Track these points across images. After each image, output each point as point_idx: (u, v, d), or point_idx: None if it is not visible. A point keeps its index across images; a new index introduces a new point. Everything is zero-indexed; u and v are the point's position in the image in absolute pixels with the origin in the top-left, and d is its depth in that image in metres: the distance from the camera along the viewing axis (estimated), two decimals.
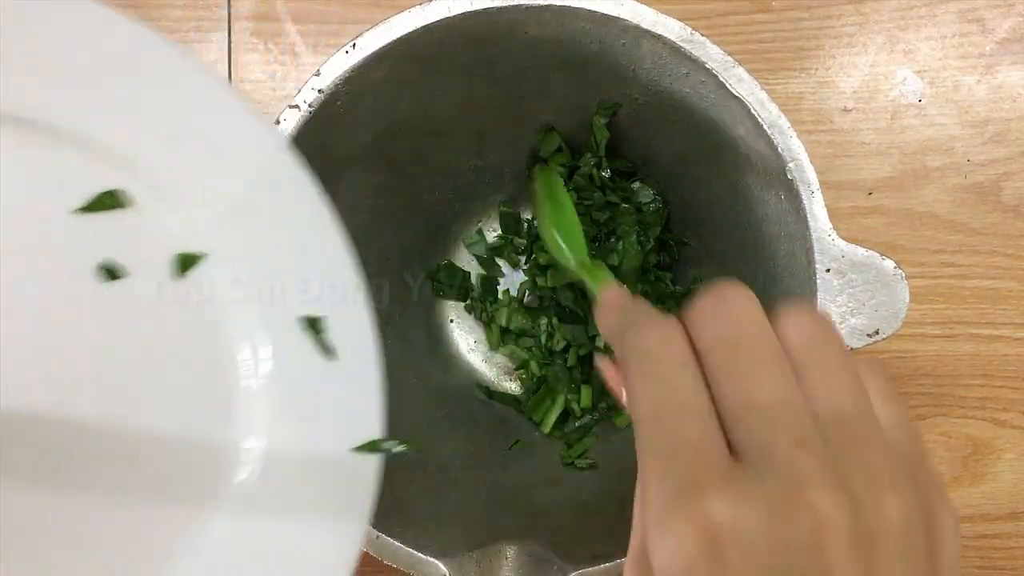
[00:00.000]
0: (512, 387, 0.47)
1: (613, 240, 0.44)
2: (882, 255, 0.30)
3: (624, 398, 0.22)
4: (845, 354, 0.20)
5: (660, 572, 0.18)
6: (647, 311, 0.22)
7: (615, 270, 0.43)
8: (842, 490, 0.18)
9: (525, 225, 0.47)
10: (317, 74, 0.31)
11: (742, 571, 0.17)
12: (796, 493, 0.18)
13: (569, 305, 0.44)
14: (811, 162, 0.31)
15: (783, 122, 0.31)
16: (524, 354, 0.46)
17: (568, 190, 0.40)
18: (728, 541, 0.17)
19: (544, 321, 0.45)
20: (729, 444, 0.19)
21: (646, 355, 0.20)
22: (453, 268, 0.47)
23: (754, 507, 0.17)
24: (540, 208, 0.39)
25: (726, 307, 0.20)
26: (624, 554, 0.31)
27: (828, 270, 0.30)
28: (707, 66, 0.31)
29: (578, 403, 0.44)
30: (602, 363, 0.24)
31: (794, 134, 0.31)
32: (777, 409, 0.19)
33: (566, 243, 0.35)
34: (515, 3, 0.31)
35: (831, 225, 0.30)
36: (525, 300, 0.46)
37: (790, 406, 0.19)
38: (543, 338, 0.45)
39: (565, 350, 0.45)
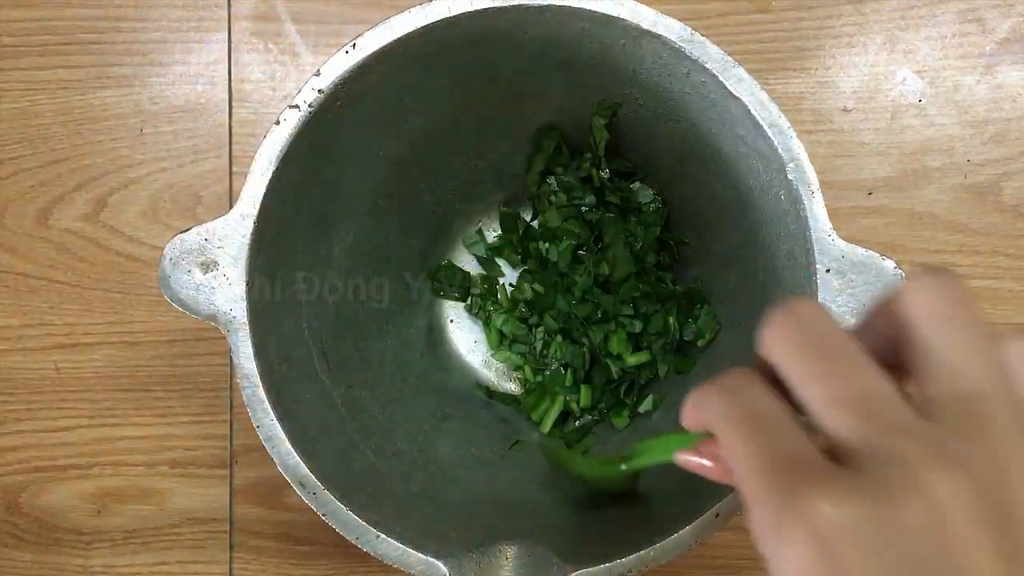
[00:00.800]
0: (512, 387, 0.47)
1: (603, 247, 0.44)
2: (882, 255, 0.30)
3: (720, 472, 0.23)
4: (971, 323, 0.19)
5: None
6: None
7: (607, 279, 0.43)
8: (957, 466, 0.17)
9: (523, 227, 0.47)
10: (317, 74, 0.31)
11: (861, 568, 0.16)
12: (902, 477, 0.17)
13: (575, 328, 0.44)
14: (811, 162, 0.30)
15: (783, 122, 0.31)
16: (519, 360, 0.46)
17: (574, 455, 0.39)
18: (839, 541, 0.17)
19: (539, 330, 0.45)
20: (827, 453, 0.19)
21: (727, 398, 0.21)
22: (453, 268, 0.47)
23: (859, 501, 0.17)
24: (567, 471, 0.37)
25: (793, 318, 0.20)
26: (625, 553, 0.31)
27: (828, 270, 0.30)
28: (707, 66, 0.31)
29: (577, 403, 0.44)
30: (682, 456, 0.24)
31: (794, 134, 0.31)
32: (864, 401, 0.18)
33: (607, 475, 0.34)
34: (515, 3, 0.31)
35: (831, 225, 0.30)
36: (519, 310, 0.46)
37: (878, 395, 0.18)
38: (538, 346, 0.45)
39: (564, 365, 0.45)
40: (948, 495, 0.17)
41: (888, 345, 0.20)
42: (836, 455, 0.18)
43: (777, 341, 0.20)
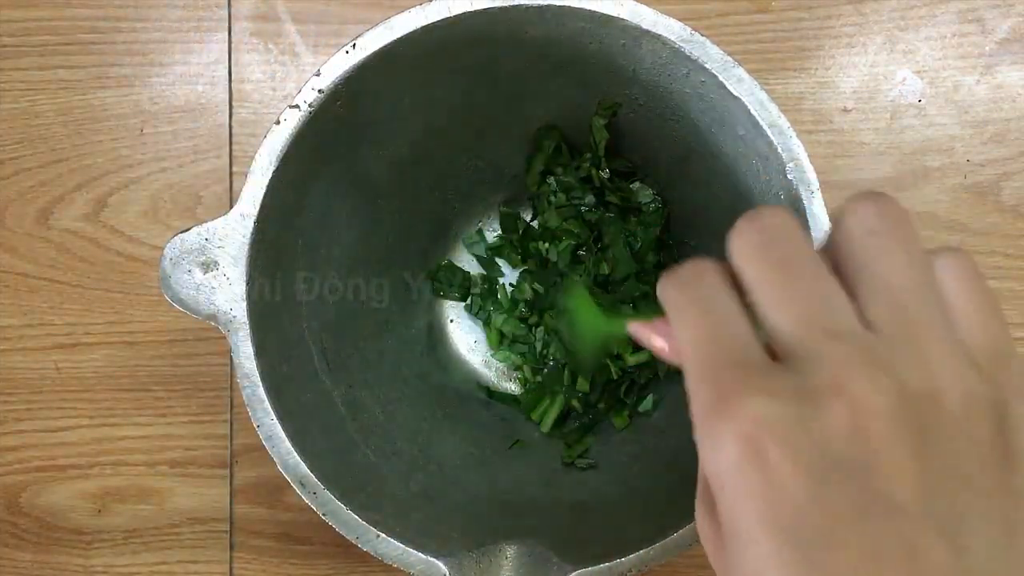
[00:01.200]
0: (512, 387, 0.47)
1: (603, 247, 0.44)
2: None
3: (666, 346, 0.23)
4: (905, 238, 0.19)
5: (712, 482, 0.18)
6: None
7: (607, 278, 0.43)
8: (884, 374, 0.17)
9: (523, 227, 0.47)
10: (317, 74, 0.31)
11: (785, 467, 0.17)
12: (830, 381, 0.17)
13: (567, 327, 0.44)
14: (811, 162, 0.31)
15: (783, 122, 0.31)
16: (518, 359, 0.46)
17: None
18: (767, 439, 0.17)
19: (539, 330, 0.45)
20: (775, 356, 0.19)
21: (682, 287, 0.21)
22: (453, 268, 0.47)
23: (789, 401, 0.17)
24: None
25: (758, 224, 0.20)
26: (625, 553, 0.31)
27: None
28: (707, 66, 0.31)
29: (577, 398, 0.44)
30: (635, 326, 0.24)
31: (794, 134, 0.31)
32: (808, 306, 0.19)
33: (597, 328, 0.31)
34: (515, 3, 0.31)
35: (831, 225, 0.30)
36: (519, 310, 0.46)
37: (822, 301, 0.19)
38: (537, 346, 0.45)
39: (562, 364, 0.45)
40: (871, 399, 0.17)
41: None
42: (777, 356, 0.19)
43: (740, 246, 0.20)
